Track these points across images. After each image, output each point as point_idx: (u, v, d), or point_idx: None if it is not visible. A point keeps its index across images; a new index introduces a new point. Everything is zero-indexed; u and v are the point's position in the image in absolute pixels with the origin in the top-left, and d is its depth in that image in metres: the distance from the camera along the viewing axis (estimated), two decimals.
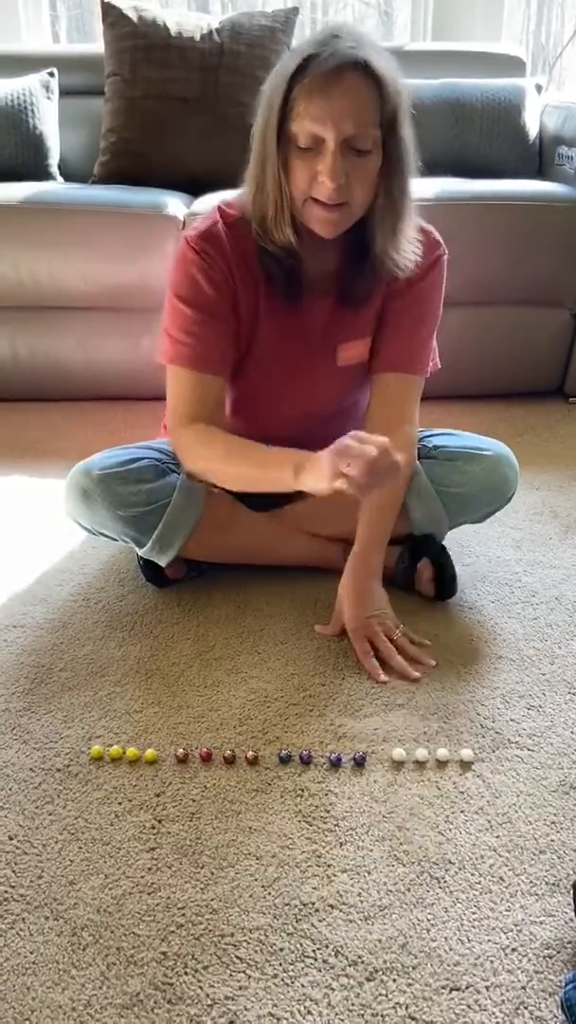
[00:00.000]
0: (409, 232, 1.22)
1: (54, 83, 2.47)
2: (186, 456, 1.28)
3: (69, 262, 2.10)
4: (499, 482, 1.35)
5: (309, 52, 1.07)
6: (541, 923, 0.86)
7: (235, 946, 0.83)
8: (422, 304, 1.32)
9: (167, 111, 2.35)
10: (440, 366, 1.37)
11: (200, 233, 1.23)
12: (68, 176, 2.48)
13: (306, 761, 1.06)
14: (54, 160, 2.45)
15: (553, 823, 0.98)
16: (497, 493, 1.36)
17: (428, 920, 0.86)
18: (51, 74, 2.48)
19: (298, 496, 1.46)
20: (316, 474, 1.09)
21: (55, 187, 2.30)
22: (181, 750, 1.07)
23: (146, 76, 2.36)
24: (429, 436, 1.41)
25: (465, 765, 1.06)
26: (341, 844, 0.95)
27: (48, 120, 2.43)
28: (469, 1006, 0.78)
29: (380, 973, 0.81)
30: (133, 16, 2.37)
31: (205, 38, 2.38)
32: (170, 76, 2.35)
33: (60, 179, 2.46)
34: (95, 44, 2.67)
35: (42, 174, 2.41)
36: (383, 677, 1.21)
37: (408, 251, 1.23)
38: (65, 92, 2.51)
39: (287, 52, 1.09)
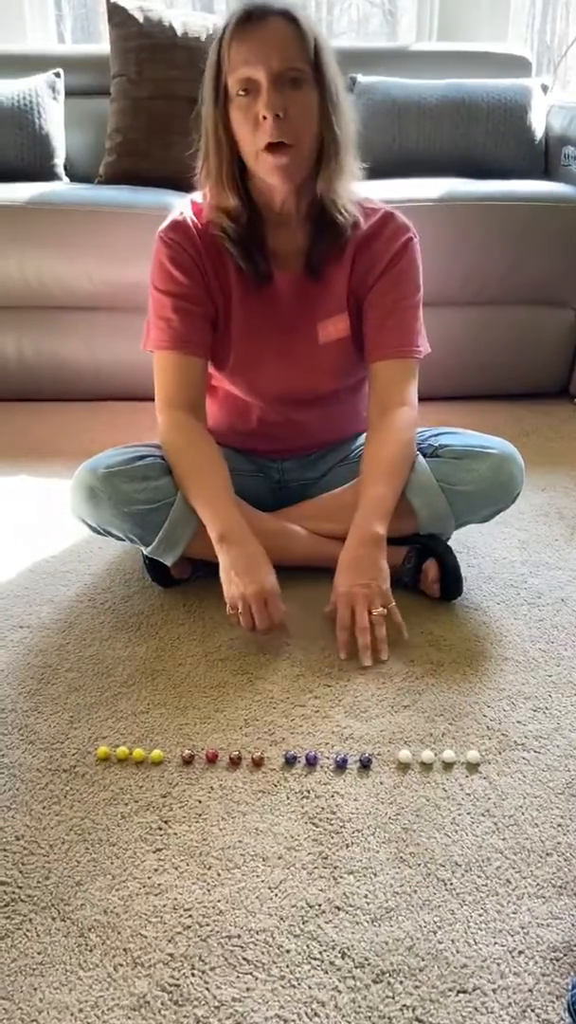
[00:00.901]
0: (348, 178, 1.27)
1: (60, 83, 2.48)
2: (161, 437, 1.34)
3: (75, 262, 2.10)
4: (505, 480, 1.35)
5: (229, 15, 1.18)
6: (548, 926, 0.86)
7: (242, 947, 0.83)
8: (399, 288, 1.34)
9: (173, 111, 2.35)
10: (430, 349, 1.38)
11: (169, 224, 1.32)
12: (74, 176, 2.49)
13: (312, 762, 1.06)
14: (60, 160, 2.46)
15: (560, 825, 0.97)
16: (503, 491, 1.36)
17: (435, 922, 0.86)
18: (57, 74, 2.48)
19: (302, 497, 1.48)
20: (229, 563, 1.23)
21: (61, 187, 2.31)
22: (187, 751, 1.07)
23: (152, 76, 2.36)
24: (434, 435, 1.41)
25: (471, 767, 1.06)
26: (347, 846, 0.95)
27: (54, 120, 2.44)
28: (476, 1008, 0.78)
29: (387, 975, 0.81)
30: (139, 16, 2.37)
31: (211, 38, 2.38)
32: (176, 76, 2.35)
33: (66, 179, 2.46)
34: (100, 44, 2.68)
35: (48, 174, 2.41)
36: (343, 654, 1.23)
37: (347, 199, 1.28)
38: (71, 92, 2.51)
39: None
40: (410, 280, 1.35)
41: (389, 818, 0.98)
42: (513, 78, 2.56)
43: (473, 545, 1.57)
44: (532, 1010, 0.78)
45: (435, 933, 0.85)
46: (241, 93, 1.16)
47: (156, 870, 0.92)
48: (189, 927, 0.85)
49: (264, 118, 1.15)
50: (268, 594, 1.23)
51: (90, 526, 1.36)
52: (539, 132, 2.48)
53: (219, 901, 0.88)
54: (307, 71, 1.17)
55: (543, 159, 2.51)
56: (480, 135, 2.43)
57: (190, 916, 0.87)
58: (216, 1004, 0.78)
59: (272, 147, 1.17)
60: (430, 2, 3.02)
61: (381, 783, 1.03)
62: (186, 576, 1.43)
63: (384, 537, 1.28)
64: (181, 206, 1.34)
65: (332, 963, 0.82)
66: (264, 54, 1.14)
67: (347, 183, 1.27)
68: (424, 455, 1.36)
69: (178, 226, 1.31)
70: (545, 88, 2.57)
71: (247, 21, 1.15)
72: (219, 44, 1.18)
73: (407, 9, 3.37)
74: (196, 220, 1.30)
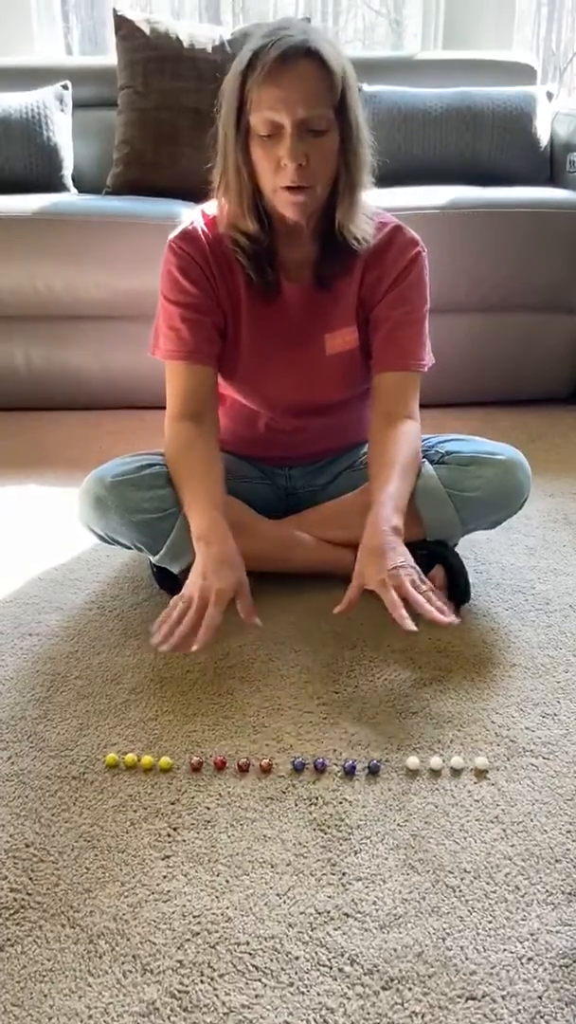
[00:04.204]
0: (363, 205, 1.28)
1: (68, 95, 2.50)
2: (164, 449, 1.35)
3: (83, 272, 2.12)
4: (512, 486, 1.35)
5: (258, 46, 1.15)
6: (557, 932, 0.86)
7: (251, 954, 0.83)
8: (407, 302, 1.35)
9: (180, 122, 2.37)
10: (434, 361, 1.38)
11: (179, 233, 1.32)
12: (82, 187, 2.51)
13: (320, 769, 1.06)
14: (68, 171, 2.48)
15: (569, 832, 0.97)
16: (510, 498, 1.36)
17: (444, 929, 0.86)
18: (65, 86, 2.50)
19: (311, 504, 1.48)
20: (202, 561, 1.19)
21: (69, 198, 2.33)
22: (195, 758, 1.07)
23: (159, 87, 2.38)
24: (441, 442, 1.41)
25: (480, 773, 1.06)
26: (356, 852, 0.95)
27: (62, 132, 2.46)
28: (485, 1015, 0.78)
29: (396, 982, 0.81)
30: (145, 28, 2.39)
31: (217, 49, 2.40)
32: (182, 87, 2.37)
33: (74, 190, 2.48)
34: (108, 56, 2.70)
35: (56, 185, 2.44)
36: (412, 625, 1.11)
37: (363, 224, 1.29)
38: (78, 104, 2.54)
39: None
40: (418, 294, 1.35)
41: (397, 825, 0.98)
42: (518, 86, 2.57)
43: (480, 551, 1.57)
44: (542, 1017, 0.78)
45: (444, 940, 0.85)
46: (263, 134, 1.16)
47: (165, 877, 0.92)
48: (198, 934, 0.86)
49: (285, 164, 1.16)
50: (216, 595, 1.15)
51: (98, 535, 1.36)
52: (544, 139, 2.48)
53: (228, 908, 0.88)
54: (331, 117, 1.17)
55: (548, 166, 2.51)
56: (485, 143, 2.43)
57: (199, 923, 0.87)
58: (225, 1011, 0.78)
59: (290, 187, 1.18)
60: (435, 11, 3.04)
61: (389, 789, 1.03)
62: None
63: (402, 530, 1.22)
64: (192, 216, 1.35)
65: (341, 970, 0.82)
66: (290, 102, 1.13)
67: (362, 211, 1.28)
68: (431, 462, 1.36)
69: (188, 235, 1.31)
70: (550, 95, 2.57)
71: (276, 62, 1.12)
72: (243, 76, 1.16)
73: (412, 17, 3.39)
74: (207, 230, 1.31)
